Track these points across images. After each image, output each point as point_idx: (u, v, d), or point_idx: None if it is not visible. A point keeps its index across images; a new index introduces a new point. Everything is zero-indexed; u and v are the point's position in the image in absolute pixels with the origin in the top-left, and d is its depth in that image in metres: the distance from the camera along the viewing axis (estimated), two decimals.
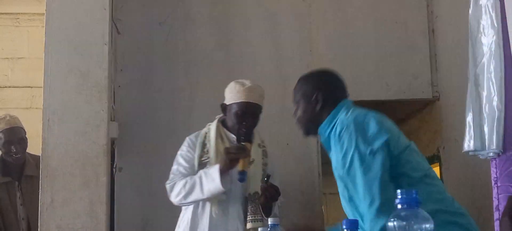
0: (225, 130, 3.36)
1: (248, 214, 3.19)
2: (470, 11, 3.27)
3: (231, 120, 3.32)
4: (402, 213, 1.11)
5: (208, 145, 3.31)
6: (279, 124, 4.61)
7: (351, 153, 2.28)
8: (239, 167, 2.95)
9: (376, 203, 2.18)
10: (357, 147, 2.28)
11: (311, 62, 4.68)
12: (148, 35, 4.68)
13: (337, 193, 2.52)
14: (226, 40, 4.75)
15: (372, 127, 2.33)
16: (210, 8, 4.77)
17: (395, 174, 2.29)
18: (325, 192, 4.72)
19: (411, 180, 2.31)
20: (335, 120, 2.47)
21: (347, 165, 2.29)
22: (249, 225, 3.17)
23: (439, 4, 4.79)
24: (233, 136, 3.32)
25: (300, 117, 2.62)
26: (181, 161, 3.35)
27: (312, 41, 4.77)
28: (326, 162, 4.17)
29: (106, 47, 4.02)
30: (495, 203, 3.15)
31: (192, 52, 4.69)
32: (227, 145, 3.28)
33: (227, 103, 3.35)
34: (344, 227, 1.45)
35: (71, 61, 3.96)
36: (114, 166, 4.36)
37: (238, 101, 3.29)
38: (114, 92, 4.40)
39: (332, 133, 2.42)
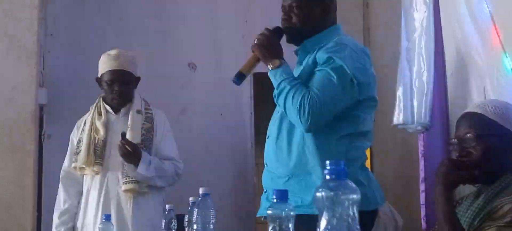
0: (104, 104, 3.45)
1: (123, 176, 3.28)
2: None
3: (105, 91, 3.43)
4: (330, 184, 1.12)
5: (82, 127, 3.45)
6: (212, 93, 4.60)
7: (339, 62, 2.34)
8: (242, 68, 2.57)
9: (317, 107, 2.29)
10: (346, 63, 2.34)
11: (246, 32, 4.67)
12: (80, 1, 4.57)
13: None
14: (160, 8, 4.68)
15: (365, 63, 2.44)
16: None
17: (350, 112, 2.40)
18: (258, 163, 4.74)
19: (355, 126, 2.44)
20: (334, 36, 2.50)
21: (331, 64, 2.35)
22: (123, 187, 3.28)
23: None
24: (111, 112, 3.43)
25: (299, 19, 2.54)
26: (65, 163, 3.49)
27: (247, 12, 4.75)
28: (260, 133, 4.19)
29: (35, 11, 3.91)
30: (421, 175, 3.23)
31: (126, 19, 4.61)
32: (104, 118, 3.38)
33: (99, 76, 3.43)
34: (273, 196, 1.45)
35: None
36: (43, 133, 4.25)
37: (105, 71, 3.39)
38: (43, 57, 4.28)
39: (327, 46, 2.43)
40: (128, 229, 3.26)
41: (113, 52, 3.42)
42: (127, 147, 3.22)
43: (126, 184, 3.27)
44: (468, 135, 1.96)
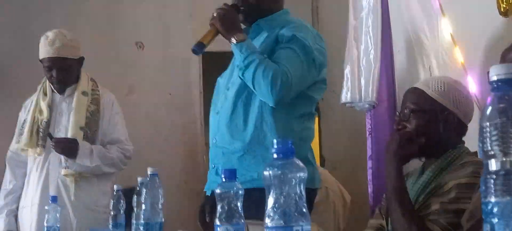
0: (50, 84, 3.38)
1: (64, 160, 3.23)
2: None
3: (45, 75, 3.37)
4: (278, 163, 1.12)
5: (28, 107, 3.39)
6: (161, 72, 4.56)
7: (302, 41, 2.41)
8: (202, 38, 2.52)
9: (284, 89, 2.33)
10: (309, 43, 2.42)
11: (195, 10, 4.63)
12: None
13: None
14: None
15: (322, 45, 2.52)
16: None
17: (305, 92, 2.47)
18: (208, 142, 4.72)
19: (310, 107, 2.53)
20: (287, 18, 2.58)
21: (296, 43, 2.41)
22: (63, 171, 3.24)
23: None
24: (56, 92, 3.37)
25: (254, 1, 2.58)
26: (12, 144, 3.40)
27: None
28: (209, 112, 4.17)
29: None
30: (368, 152, 3.28)
31: None
32: (48, 99, 3.33)
33: (40, 59, 3.36)
34: (222, 175, 1.45)
35: None
36: None
37: (42, 57, 3.32)
38: None
39: (288, 25, 2.49)
40: (68, 213, 3.21)
41: (50, 36, 3.31)
42: (61, 142, 3.18)
43: (67, 168, 3.22)
44: (405, 109, 2.01)
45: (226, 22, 2.45)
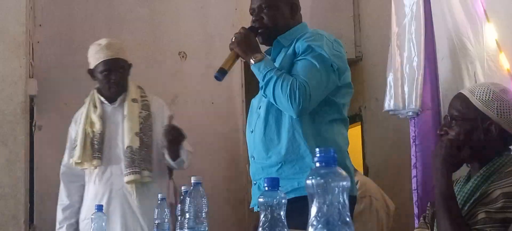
0: (99, 96, 3.41)
1: (125, 168, 3.25)
2: None
3: (100, 82, 3.39)
4: (321, 171, 1.12)
5: (78, 121, 3.41)
6: (204, 82, 4.58)
7: (317, 49, 2.47)
8: (223, 64, 2.64)
9: (305, 101, 2.39)
10: (324, 51, 2.48)
11: (236, 20, 4.65)
12: None
13: None
14: None
15: (340, 50, 2.59)
16: None
17: (330, 98, 2.53)
18: None
19: (338, 113, 2.57)
20: (303, 32, 2.63)
21: (311, 53, 2.47)
22: (126, 179, 3.25)
23: None
24: (106, 102, 3.38)
25: (271, 18, 2.66)
26: (65, 159, 3.45)
27: (237, 0, 4.74)
28: None
29: (23, 1, 3.89)
30: (413, 160, 3.24)
31: (114, 8, 4.57)
32: (99, 111, 3.35)
33: (92, 68, 3.39)
34: (265, 184, 1.45)
35: None
36: (34, 124, 4.23)
37: (99, 61, 3.34)
38: (33, 48, 4.25)
39: (304, 36, 2.55)
40: (138, 219, 3.25)
41: (103, 42, 3.37)
42: (176, 129, 3.23)
43: (128, 175, 3.24)
44: (448, 115, 1.99)
45: (244, 45, 2.57)
